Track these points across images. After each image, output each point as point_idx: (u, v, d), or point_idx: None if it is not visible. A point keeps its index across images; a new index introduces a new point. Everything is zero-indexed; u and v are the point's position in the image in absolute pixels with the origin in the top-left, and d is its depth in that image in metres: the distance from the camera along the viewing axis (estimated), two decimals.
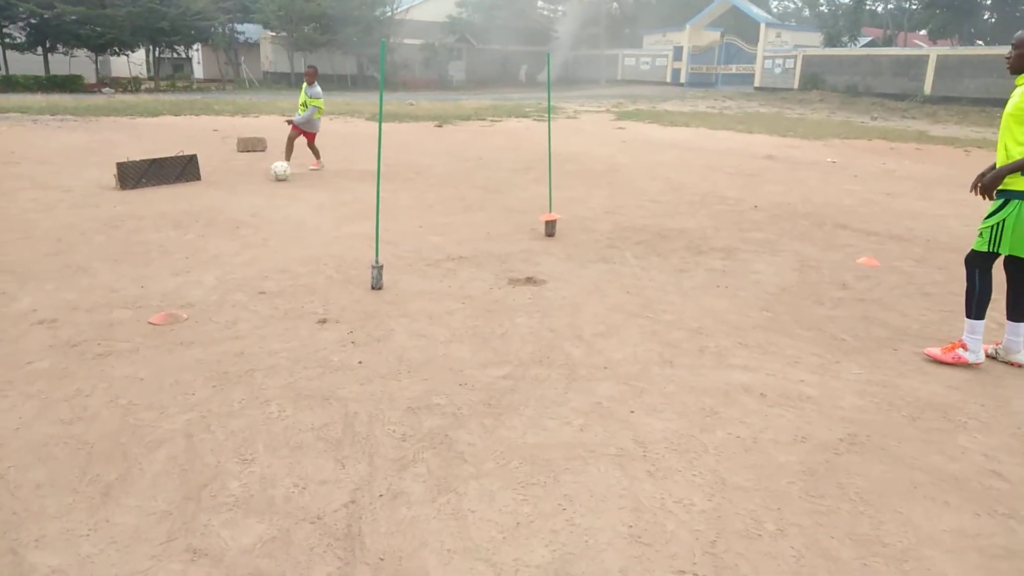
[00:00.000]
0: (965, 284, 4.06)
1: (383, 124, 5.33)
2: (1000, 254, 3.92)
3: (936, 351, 4.10)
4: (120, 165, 8.82)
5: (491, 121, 20.02)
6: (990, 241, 3.91)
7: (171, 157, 9.46)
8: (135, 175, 8.89)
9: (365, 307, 4.76)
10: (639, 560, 2.35)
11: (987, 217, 3.93)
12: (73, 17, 31.17)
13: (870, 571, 2.33)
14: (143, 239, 6.42)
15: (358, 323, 4.46)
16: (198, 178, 9.60)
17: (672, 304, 4.97)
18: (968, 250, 4.08)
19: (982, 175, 3.98)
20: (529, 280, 5.44)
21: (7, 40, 31.86)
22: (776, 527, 2.54)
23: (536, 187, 9.46)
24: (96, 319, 4.43)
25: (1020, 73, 3.84)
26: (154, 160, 9.21)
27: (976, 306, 3.97)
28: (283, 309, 4.68)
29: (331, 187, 9.32)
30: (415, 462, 2.91)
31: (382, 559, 2.34)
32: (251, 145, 12.65)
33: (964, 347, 4.01)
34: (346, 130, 16.47)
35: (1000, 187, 3.83)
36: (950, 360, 4.02)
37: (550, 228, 6.89)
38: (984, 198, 3.90)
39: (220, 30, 38.24)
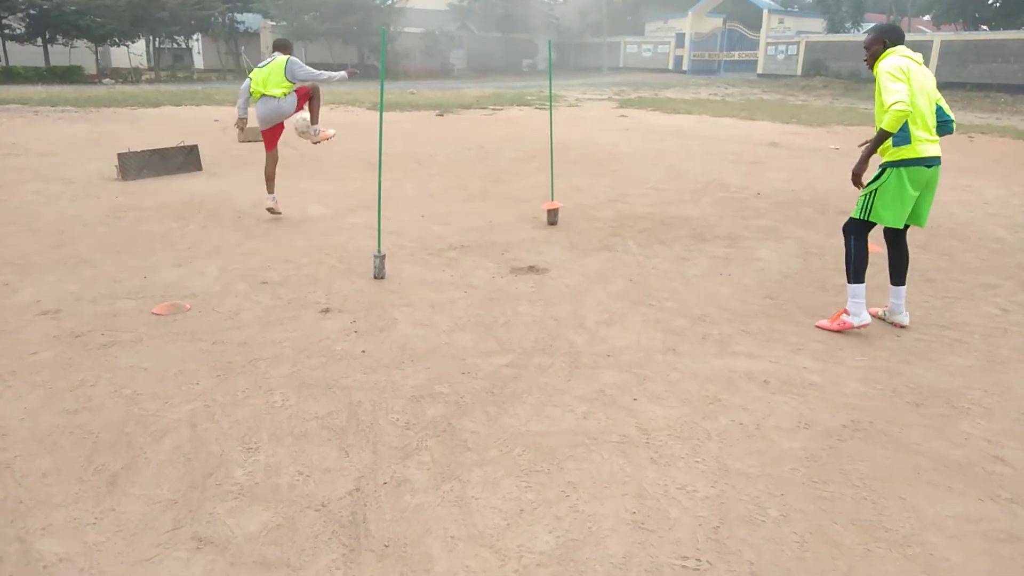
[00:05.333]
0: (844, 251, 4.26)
1: (384, 113, 5.31)
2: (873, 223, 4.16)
3: (825, 323, 4.31)
4: (121, 156, 8.81)
5: (493, 109, 19.94)
6: (862, 209, 4.15)
7: (172, 148, 9.45)
8: (136, 166, 8.89)
9: (368, 296, 4.76)
10: (642, 546, 2.36)
11: (867, 184, 4.14)
12: (73, 7, 31.07)
13: (873, 557, 2.34)
14: (145, 230, 6.42)
15: (361, 312, 4.46)
16: (199, 168, 9.59)
17: (675, 292, 4.97)
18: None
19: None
20: (532, 269, 5.44)
21: (7, 31, 31.77)
22: (779, 513, 2.55)
23: (538, 176, 9.44)
24: (99, 310, 4.44)
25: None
26: (155, 151, 9.20)
27: (854, 271, 4.18)
28: (286, 299, 4.68)
29: (333, 177, 9.30)
30: (419, 450, 2.92)
31: (387, 546, 2.35)
32: (252, 135, 12.58)
33: (847, 312, 4.21)
34: (347, 119, 16.42)
35: (882, 160, 4.10)
36: (837, 328, 4.21)
37: (552, 216, 6.88)
38: (859, 187, 4.10)
39: (220, 20, 38.11)
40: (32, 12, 31.47)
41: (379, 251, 5.17)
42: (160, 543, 2.34)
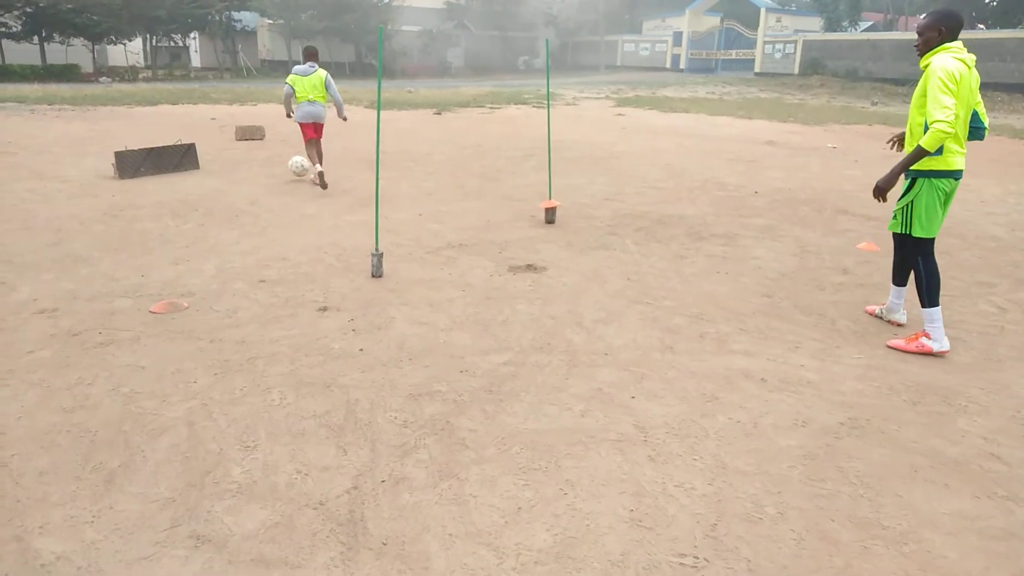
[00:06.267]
0: (913, 274, 4.07)
1: (382, 112, 5.31)
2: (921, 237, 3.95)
3: (900, 342, 4.06)
4: (118, 154, 8.79)
5: (490, 108, 19.93)
6: (902, 223, 3.97)
7: (169, 146, 9.43)
8: (133, 164, 8.87)
9: (365, 295, 4.76)
10: (640, 544, 2.37)
11: (900, 198, 4.00)
12: (69, 6, 30.94)
13: (870, 554, 2.35)
14: (142, 228, 6.41)
15: (359, 311, 4.46)
16: (196, 167, 9.58)
17: (672, 290, 4.97)
18: (916, 240, 4.02)
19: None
20: (529, 267, 5.44)
21: (3, 29, 31.62)
22: (777, 511, 2.55)
23: (536, 174, 9.44)
24: (96, 308, 4.43)
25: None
26: (152, 149, 9.18)
27: (928, 294, 3.94)
28: (283, 297, 4.68)
29: (330, 175, 9.29)
30: (417, 448, 2.92)
31: (385, 544, 2.35)
32: (249, 134, 12.60)
33: (927, 336, 3.99)
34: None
35: (911, 167, 3.89)
36: (915, 349, 3.97)
37: (550, 215, 6.88)
38: (880, 200, 3.93)
39: (217, 18, 37.99)
40: (28, 10, 31.34)
41: (377, 249, 5.16)
42: (158, 541, 2.34)
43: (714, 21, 41.50)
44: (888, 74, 29.96)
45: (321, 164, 8.52)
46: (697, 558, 2.30)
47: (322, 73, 8.52)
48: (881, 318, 4.45)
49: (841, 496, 2.65)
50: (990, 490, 2.71)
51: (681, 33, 42.27)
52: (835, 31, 35.99)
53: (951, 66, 3.62)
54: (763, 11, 36.90)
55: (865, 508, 2.58)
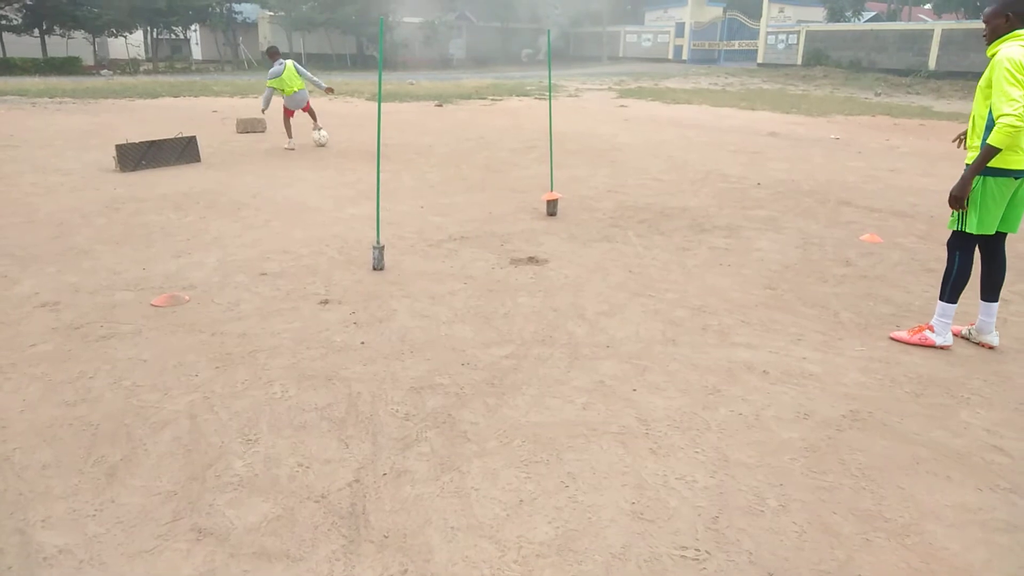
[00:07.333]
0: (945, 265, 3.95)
1: (383, 104, 5.29)
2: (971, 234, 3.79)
3: (903, 334, 4.01)
4: (119, 147, 8.79)
5: (492, 100, 19.88)
6: (958, 218, 3.79)
7: (170, 139, 9.42)
8: (135, 157, 8.86)
9: (367, 288, 4.76)
10: (642, 536, 2.37)
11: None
12: None
13: (872, 546, 2.34)
14: (144, 221, 6.41)
15: (360, 304, 4.46)
16: (198, 160, 9.57)
17: (675, 282, 4.96)
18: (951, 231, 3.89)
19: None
20: (531, 260, 5.43)
21: (3, 22, 31.59)
22: (778, 503, 2.55)
23: (538, 166, 9.41)
24: (98, 301, 4.43)
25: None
26: (153, 142, 9.17)
27: (951, 289, 3.84)
28: (285, 290, 4.68)
29: (332, 168, 9.28)
30: (418, 441, 2.92)
31: (386, 537, 2.35)
32: (250, 126, 12.59)
33: (930, 328, 3.92)
34: (346, 110, 16.36)
35: (966, 161, 3.75)
36: (917, 342, 3.93)
37: (552, 207, 6.86)
38: (960, 209, 3.71)
39: (218, 10, 37.89)
40: (29, 3, 31.30)
41: (378, 242, 5.16)
42: (160, 534, 2.34)
43: (716, 11, 41.28)
44: (892, 65, 29.80)
45: (316, 120, 11.16)
46: (699, 551, 2.30)
47: (290, 63, 10.53)
48: (969, 339, 4.02)
49: (843, 488, 2.64)
50: (993, 482, 2.70)
51: (683, 24, 42.07)
52: (838, 21, 35.79)
53: (1018, 55, 3.41)
54: (765, 1, 36.68)
55: (867, 500, 2.58)
